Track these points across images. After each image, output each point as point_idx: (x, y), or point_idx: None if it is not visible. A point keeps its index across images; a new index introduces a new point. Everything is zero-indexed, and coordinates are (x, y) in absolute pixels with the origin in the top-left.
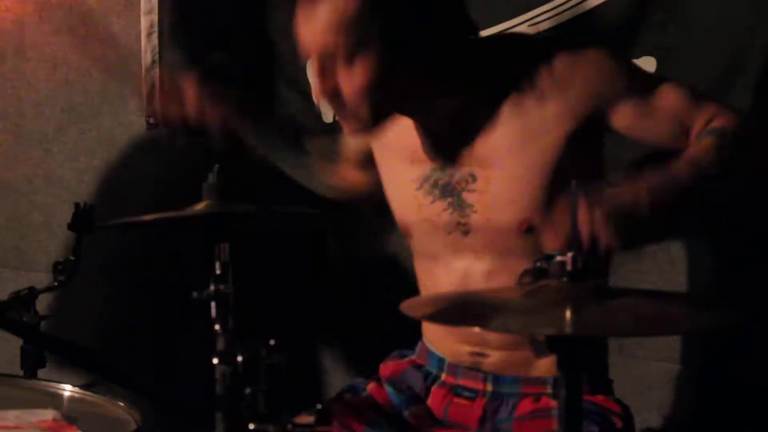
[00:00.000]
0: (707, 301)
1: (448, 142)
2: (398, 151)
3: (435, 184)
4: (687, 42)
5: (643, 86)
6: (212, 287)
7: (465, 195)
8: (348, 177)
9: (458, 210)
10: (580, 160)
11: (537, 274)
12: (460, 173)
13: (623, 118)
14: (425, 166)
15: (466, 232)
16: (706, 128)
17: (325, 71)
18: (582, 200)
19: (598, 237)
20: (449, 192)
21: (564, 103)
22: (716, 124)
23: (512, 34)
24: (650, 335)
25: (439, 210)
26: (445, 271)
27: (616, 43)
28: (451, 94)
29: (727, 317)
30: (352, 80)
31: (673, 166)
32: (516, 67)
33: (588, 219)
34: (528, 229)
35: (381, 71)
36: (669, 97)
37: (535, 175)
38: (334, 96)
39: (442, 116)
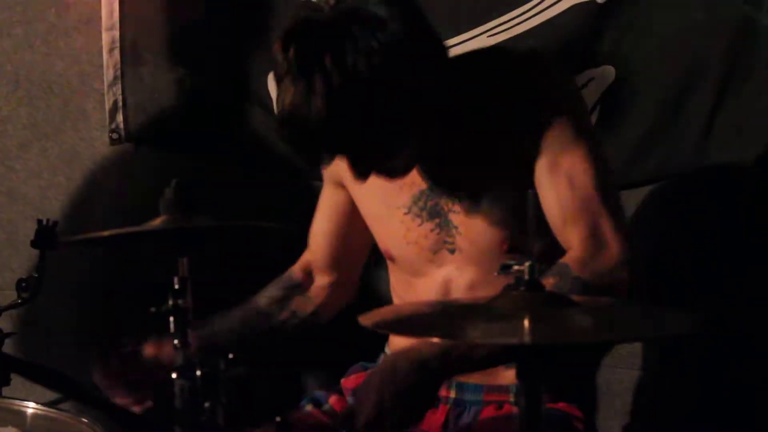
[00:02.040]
0: (668, 307)
1: (435, 164)
2: (388, 179)
3: (423, 207)
4: (646, 50)
5: (563, 135)
6: (170, 302)
7: (451, 216)
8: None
9: (445, 230)
10: None
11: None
12: (446, 196)
13: (537, 169)
14: (414, 189)
15: (452, 251)
16: (557, 260)
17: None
18: (372, 383)
19: (381, 418)
20: (436, 213)
21: (511, 132)
22: (567, 258)
23: (485, 52)
24: (610, 342)
25: (426, 231)
26: (425, 283)
27: (574, 52)
28: (433, 117)
29: (687, 322)
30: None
31: None
32: (485, 89)
33: (376, 398)
34: (509, 250)
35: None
36: (576, 170)
37: (511, 204)
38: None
39: (430, 138)
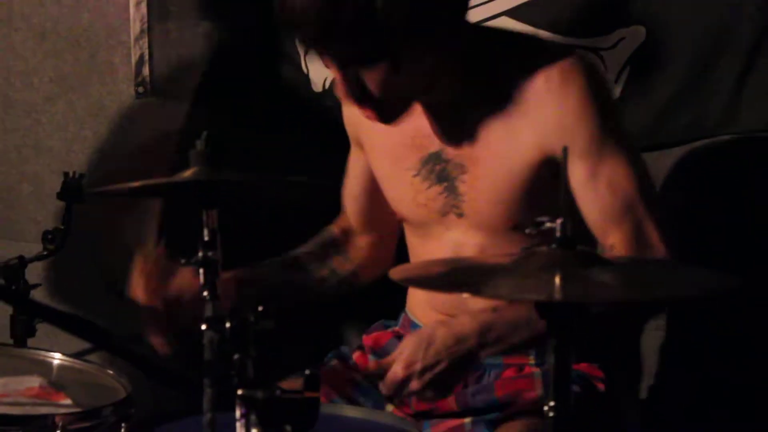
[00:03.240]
0: (701, 268)
1: (447, 129)
2: (398, 139)
3: (432, 170)
4: (676, 10)
5: (601, 145)
6: (200, 254)
7: (458, 183)
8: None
9: (452, 195)
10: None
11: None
12: (453, 162)
13: (571, 175)
14: (423, 151)
15: (459, 215)
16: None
17: (347, 76)
18: (407, 348)
19: (408, 382)
20: (444, 178)
21: (532, 129)
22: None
23: (508, 32)
24: (639, 302)
25: (435, 194)
26: (437, 244)
27: (605, 11)
28: (453, 81)
29: (721, 282)
30: (373, 78)
31: None
32: (508, 71)
33: (407, 362)
34: (515, 227)
35: (398, 64)
36: (617, 176)
37: (514, 184)
38: (357, 95)
39: (444, 102)
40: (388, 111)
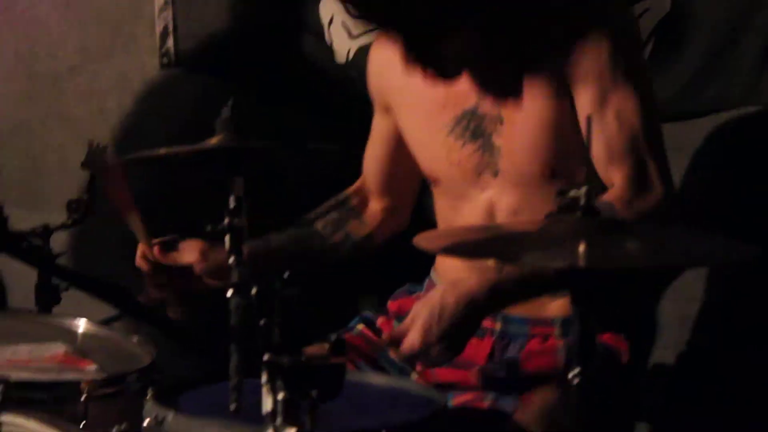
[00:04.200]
0: (722, 236)
1: (483, 83)
2: (431, 99)
3: (466, 127)
4: None
5: (615, 71)
6: (226, 220)
7: (494, 138)
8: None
9: (488, 152)
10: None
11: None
12: (490, 115)
13: (582, 100)
14: (458, 109)
15: (495, 173)
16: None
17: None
18: (421, 313)
19: (427, 350)
20: (479, 134)
21: (562, 59)
22: (610, 196)
23: None
24: (665, 268)
25: (470, 152)
26: (469, 207)
27: None
28: (491, 26)
29: (747, 250)
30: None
31: None
32: (544, 18)
33: (423, 332)
34: (552, 175)
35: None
36: (626, 109)
37: (554, 127)
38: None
39: (482, 55)
40: (446, 69)
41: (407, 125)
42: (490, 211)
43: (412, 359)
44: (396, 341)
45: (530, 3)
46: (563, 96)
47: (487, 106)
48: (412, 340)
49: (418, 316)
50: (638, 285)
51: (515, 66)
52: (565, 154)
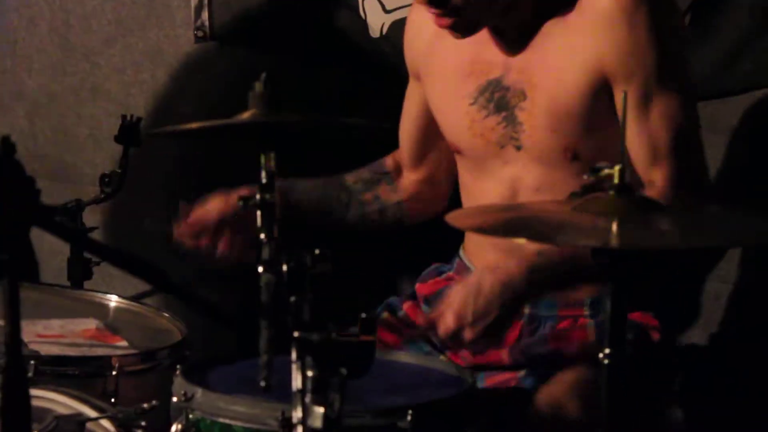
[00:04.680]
0: (758, 216)
1: (510, 53)
2: (457, 66)
3: (490, 98)
4: None
5: (660, 73)
6: (258, 196)
7: (517, 112)
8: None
9: (511, 125)
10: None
11: (585, 192)
12: (513, 89)
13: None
14: (482, 78)
15: (518, 147)
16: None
17: None
18: (454, 299)
19: (460, 333)
20: (503, 106)
21: (590, 50)
22: (653, 193)
23: None
24: (698, 248)
25: (493, 124)
26: (493, 181)
27: None
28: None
29: None
30: None
31: None
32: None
33: (458, 312)
34: (574, 157)
35: None
36: (672, 110)
37: (576, 108)
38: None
39: (511, 26)
40: (464, 23)
41: (432, 93)
42: (513, 187)
43: (450, 341)
44: (432, 324)
45: None
46: (595, 85)
47: (512, 78)
48: (447, 321)
49: (454, 298)
50: (673, 265)
51: (543, 43)
52: (591, 138)
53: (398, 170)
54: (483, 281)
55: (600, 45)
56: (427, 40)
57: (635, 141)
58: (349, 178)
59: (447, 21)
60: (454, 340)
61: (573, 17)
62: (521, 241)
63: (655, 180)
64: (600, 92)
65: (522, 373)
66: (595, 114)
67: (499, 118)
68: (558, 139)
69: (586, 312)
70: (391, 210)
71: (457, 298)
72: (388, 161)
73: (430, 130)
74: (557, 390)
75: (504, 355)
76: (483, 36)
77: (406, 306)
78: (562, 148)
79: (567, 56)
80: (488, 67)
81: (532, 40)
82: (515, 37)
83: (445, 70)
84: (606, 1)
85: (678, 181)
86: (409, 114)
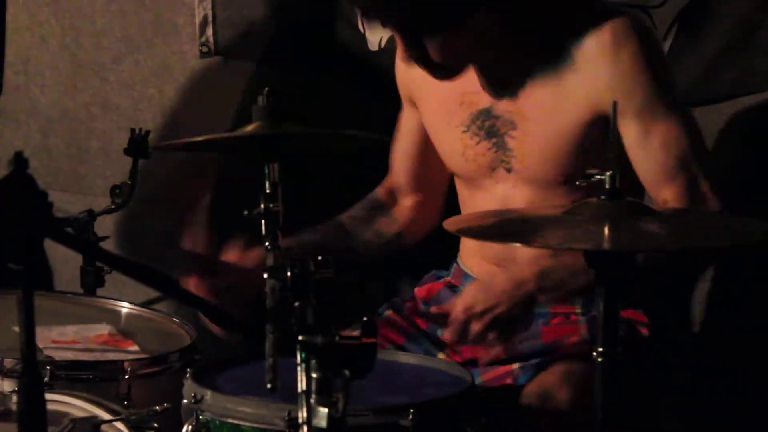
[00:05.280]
0: (746, 219)
1: (497, 86)
2: (449, 96)
3: (481, 126)
4: None
5: (654, 106)
6: (262, 205)
7: (507, 139)
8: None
9: (501, 150)
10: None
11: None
12: (503, 118)
13: (624, 133)
14: (473, 108)
15: (509, 170)
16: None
17: (407, 43)
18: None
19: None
20: (494, 133)
21: (583, 88)
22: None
23: None
24: (686, 251)
25: (484, 150)
26: (487, 196)
27: None
28: (505, 39)
29: (760, 232)
30: (432, 42)
31: None
32: (560, 30)
33: (466, 304)
34: (565, 181)
35: (455, 29)
36: (671, 135)
37: (565, 140)
38: (417, 57)
39: (496, 59)
40: (446, 70)
41: (428, 120)
42: (505, 203)
43: (459, 334)
44: (442, 318)
45: (548, 24)
46: (588, 121)
47: (501, 109)
48: (457, 312)
49: (466, 291)
50: (668, 269)
51: (531, 78)
52: (580, 162)
53: (393, 198)
54: (495, 279)
55: (588, 85)
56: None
57: (642, 168)
58: (349, 222)
59: (428, 71)
60: (462, 331)
61: (560, 58)
62: (516, 245)
63: (668, 199)
64: (593, 126)
65: (516, 366)
66: (590, 143)
67: (490, 143)
68: (549, 166)
69: (578, 309)
70: (391, 241)
71: (468, 293)
72: (381, 192)
73: (426, 155)
74: (548, 380)
75: (500, 349)
76: (472, 68)
77: (407, 306)
78: (553, 173)
79: (556, 96)
80: (477, 97)
81: (518, 78)
82: (501, 71)
83: (439, 99)
84: (590, 43)
85: (690, 195)
86: (403, 139)
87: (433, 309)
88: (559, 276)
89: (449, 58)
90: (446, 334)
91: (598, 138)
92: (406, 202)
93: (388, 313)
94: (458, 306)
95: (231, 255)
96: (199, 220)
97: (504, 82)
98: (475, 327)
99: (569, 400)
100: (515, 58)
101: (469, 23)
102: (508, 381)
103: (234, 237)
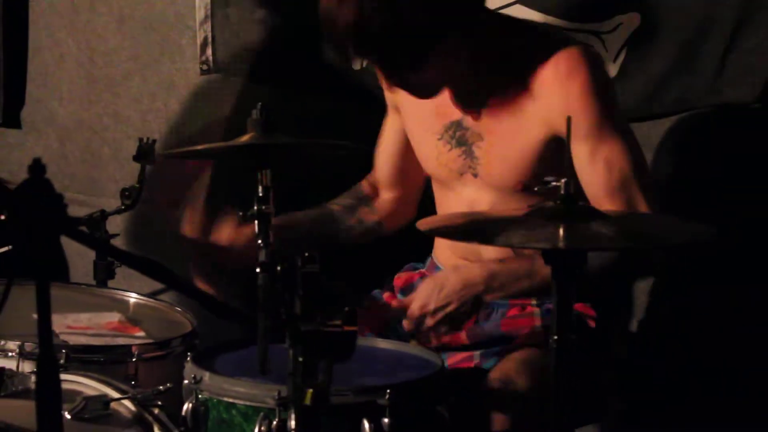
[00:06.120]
0: (684, 221)
1: (467, 103)
2: (426, 106)
3: (453, 135)
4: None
5: (600, 129)
6: (255, 207)
7: (474, 149)
8: (403, 185)
9: (469, 158)
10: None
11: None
12: (472, 130)
13: (574, 154)
14: (446, 119)
15: (475, 175)
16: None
17: (384, 73)
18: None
19: (423, 320)
20: (463, 142)
21: (540, 111)
22: None
23: (521, 22)
24: (634, 249)
25: (454, 156)
26: (457, 198)
27: (607, 1)
28: (475, 65)
29: (701, 232)
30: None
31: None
32: (521, 58)
33: (422, 302)
34: (524, 189)
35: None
36: (614, 156)
37: (523, 154)
38: (394, 83)
39: (465, 80)
40: (422, 91)
41: (408, 126)
42: (472, 206)
43: (416, 326)
44: (402, 311)
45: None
46: (546, 139)
47: (470, 122)
48: (413, 308)
49: (422, 290)
50: (615, 272)
51: (495, 99)
52: (537, 172)
53: (375, 192)
54: (448, 278)
55: (544, 109)
56: None
57: (588, 184)
58: (335, 208)
59: (406, 92)
60: (418, 325)
61: (520, 84)
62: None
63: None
64: (549, 143)
65: (478, 352)
66: (546, 157)
67: (460, 151)
68: (509, 174)
69: (534, 301)
70: (371, 228)
71: (423, 291)
72: (365, 186)
73: (406, 156)
74: (508, 367)
75: (462, 336)
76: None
77: (386, 296)
78: (513, 181)
79: (517, 117)
80: (450, 110)
81: (484, 98)
82: (470, 90)
83: (417, 109)
84: (546, 72)
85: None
86: (387, 141)
87: (395, 303)
88: (504, 280)
89: (424, 81)
90: (406, 326)
91: (553, 152)
92: (386, 196)
93: (368, 304)
94: (415, 304)
95: (223, 233)
96: (197, 208)
97: (472, 101)
98: (429, 322)
99: (527, 383)
100: (481, 81)
101: (439, 49)
102: (471, 364)
103: (223, 215)
